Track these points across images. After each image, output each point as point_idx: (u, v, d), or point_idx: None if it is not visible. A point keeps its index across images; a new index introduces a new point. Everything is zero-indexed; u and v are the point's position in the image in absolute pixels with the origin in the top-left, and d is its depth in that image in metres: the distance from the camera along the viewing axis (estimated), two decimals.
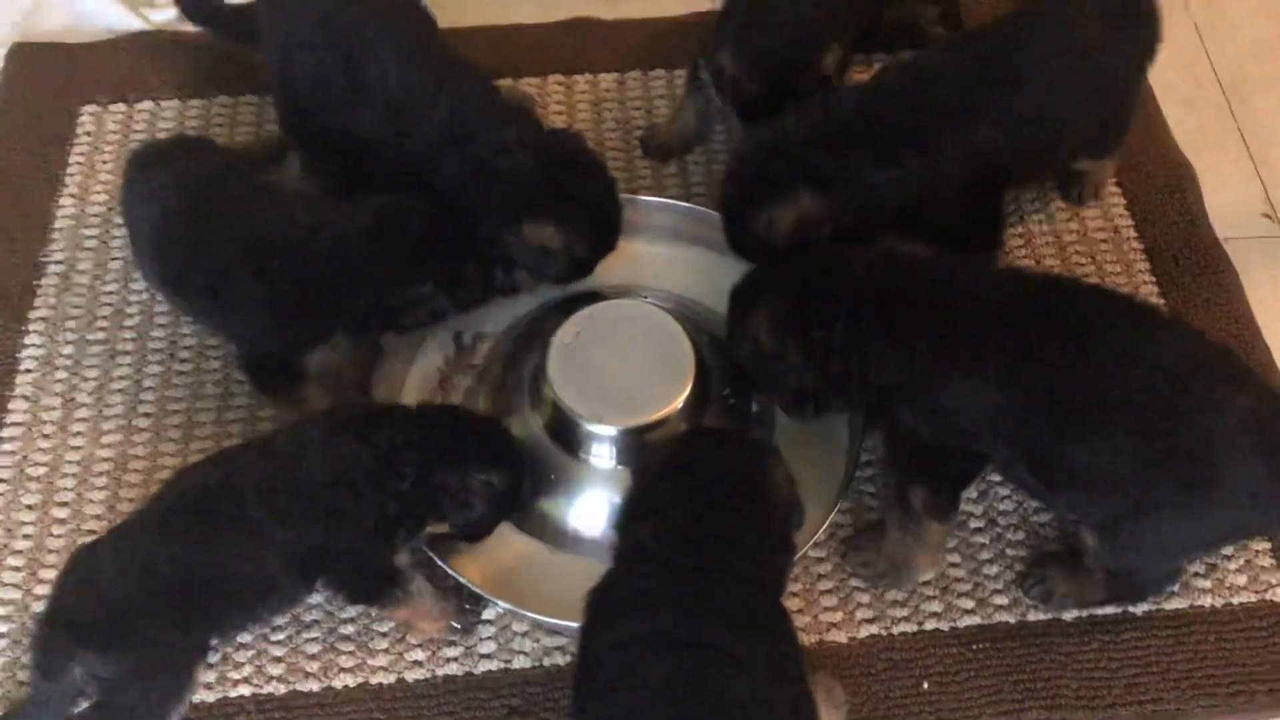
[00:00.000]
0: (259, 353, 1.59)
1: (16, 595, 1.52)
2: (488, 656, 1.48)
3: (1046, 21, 1.66)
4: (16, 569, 1.54)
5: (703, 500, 1.26)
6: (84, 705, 1.36)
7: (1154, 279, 1.82)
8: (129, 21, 2.11)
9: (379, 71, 1.63)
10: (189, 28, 2.07)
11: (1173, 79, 2.08)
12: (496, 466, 1.42)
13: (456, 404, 1.61)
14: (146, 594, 1.33)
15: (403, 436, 1.37)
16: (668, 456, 1.32)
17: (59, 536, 1.56)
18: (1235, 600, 1.52)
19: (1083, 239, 1.87)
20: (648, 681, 1.16)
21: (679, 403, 1.52)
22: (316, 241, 1.51)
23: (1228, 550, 1.54)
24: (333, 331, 1.55)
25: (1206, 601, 1.52)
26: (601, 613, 1.23)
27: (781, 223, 1.54)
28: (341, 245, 1.51)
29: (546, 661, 1.48)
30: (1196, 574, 1.53)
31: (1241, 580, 1.53)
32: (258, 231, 1.53)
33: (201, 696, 1.44)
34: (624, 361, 1.55)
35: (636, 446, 1.51)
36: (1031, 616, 1.50)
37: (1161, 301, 1.79)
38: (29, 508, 1.59)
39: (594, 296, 1.68)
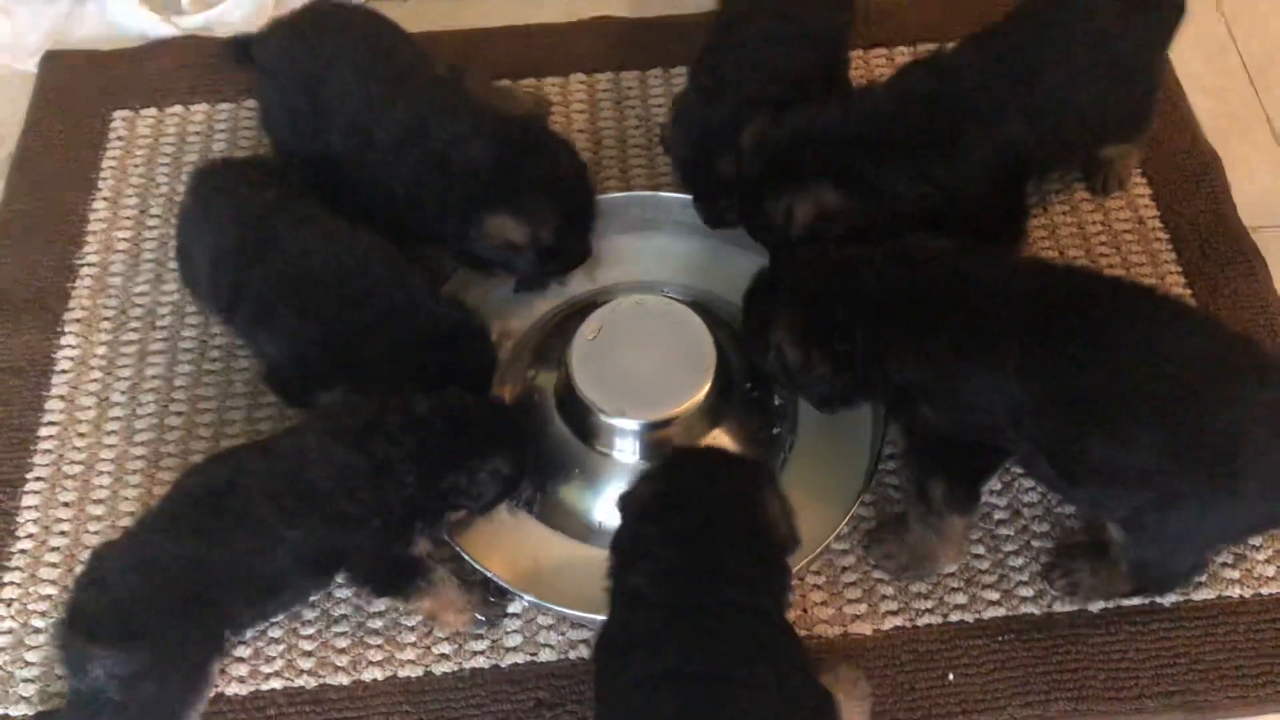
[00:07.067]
0: (277, 375, 1.61)
1: (53, 591, 1.55)
2: (514, 650, 1.49)
3: (1060, 11, 1.64)
4: (54, 565, 1.57)
5: (696, 541, 1.23)
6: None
7: (1180, 269, 1.80)
8: (160, 29, 2.15)
9: (339, 90, 1.62)
10: (218, 35, 2.11)
11: (1199, 68, 2.05)
12: (499, 452, 1.41)
13: (449, 390, 1.46)
14: (155, 590, 1.35)
15: (397, 449, 1.36)
16: (654, 493, 1.29)
17: (95, 534, 1.59)
18: (1264, 591, 1.50)
19: (1107, 230, 1.85)
20: (666, 716, 1.16)
21: (701, 396, 1.53)
22: (365, 288, 1.50)
23: (1256, 541, 1.53)
24: (339, 381, 1.50)
25: (1235, 592, 1.50)
26: (610, 659, 1.24)
27: (800, 213, 1.54)
28: (412, 319, 1.50)
29: (572, 654, 1.49)
30: (1225, 564, 1.52)
31: (1270, 571, 1.52)
32: (302, 266, 1.52)
33: (234, 690, 1.47)
34: (646, 356, 1.56)
35: (659, 440, 1.52)
36: (1057, 608, 1.50)
37: (1188, 292, 1.77)
38: (65, 505, 1.62)
39: (616, 292, 1.69)
